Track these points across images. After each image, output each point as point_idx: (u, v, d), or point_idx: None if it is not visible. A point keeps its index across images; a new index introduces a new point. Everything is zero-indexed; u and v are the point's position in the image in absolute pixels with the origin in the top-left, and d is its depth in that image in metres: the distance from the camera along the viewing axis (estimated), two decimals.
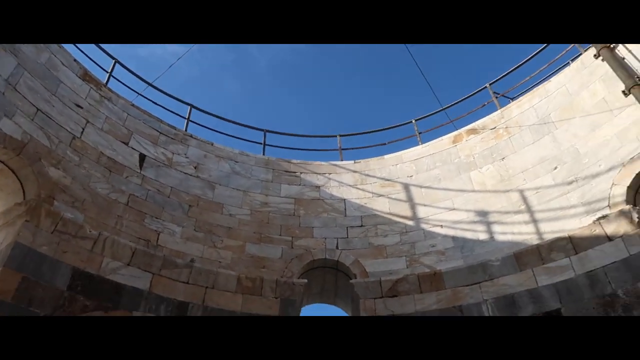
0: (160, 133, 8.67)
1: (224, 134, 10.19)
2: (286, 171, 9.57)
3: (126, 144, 7.97)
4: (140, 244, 7.03)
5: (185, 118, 9.57)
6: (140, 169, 7.91)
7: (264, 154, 9.88)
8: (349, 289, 8.03)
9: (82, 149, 7.19)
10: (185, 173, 8.50)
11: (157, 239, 7.38)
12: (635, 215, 6.20)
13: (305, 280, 7.83)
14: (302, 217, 8.85)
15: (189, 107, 9.77)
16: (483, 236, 7.80)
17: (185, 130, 9.26)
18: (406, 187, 9.17)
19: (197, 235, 7.83)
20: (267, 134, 10.40)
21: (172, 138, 8.81)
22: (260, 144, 10.17)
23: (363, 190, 9.34)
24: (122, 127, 8.07)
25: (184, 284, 6.98)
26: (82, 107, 7.56)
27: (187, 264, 7.18)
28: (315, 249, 8.38)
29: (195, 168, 8.71)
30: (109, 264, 6.41)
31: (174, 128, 9.00)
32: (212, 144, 9.31)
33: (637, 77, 6.67)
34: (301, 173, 9.60)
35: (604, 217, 6.53)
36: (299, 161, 9.85)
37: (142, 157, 8.06)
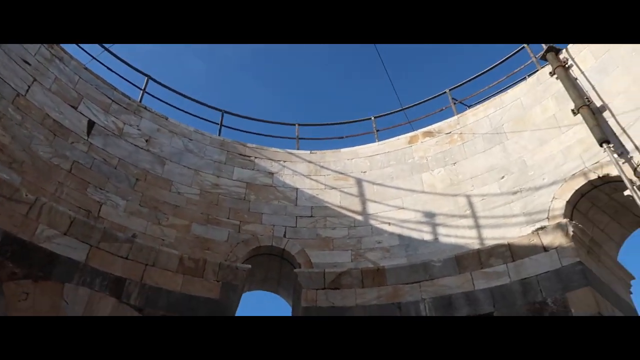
0: (113, 101, 8.32)
1: (181, 110, 9.87)
2: (241, 154, 9.43)
3: (75, 108, 7.59)
4: (80, 214, 6.73)
5: (141, 89, 9.21)
6: (88, 136, 7.56)
7: (219, 135, 9.68)
8: (293, 278, 8.02)
9: (25, 108, 6.79)
10: (135, 145, 8.20)
11: (99, 210, 7.10)
12: (570, 229, 6.51)
13: (249, 266, 7.75)
14: (252, 202, 8.75)
15: (146, 78, 9.42)
16: (428, 237, 7.99)
17: (140, 101, 8.92)
18: (359, 182, 9.24)
19: (142, 211, 7.59)
20: (225, 115, 10.20)
21: (124, 108, 8.47)
22: (217, 124, 9.96)
23: (316, 181, 9.34)
24: (72, 90, 7.68)
25: (122, 259, 6.74)
26: (29, 64, 7.13)
27: (128, 239, 6.94)
28: (262, 236, 8.32)
29: (146, 141, 8.42)
30: (44, 231, 6.08)
31: (128, 98, 8.65)
32: (166, 119, 9.02)
33: (587, 98, 6.99)
34: (256, 158, 9.48)
35: (542, 228, 6.82)
36: (255, 145, 9.72)
37: (91, 124, 7.70)
